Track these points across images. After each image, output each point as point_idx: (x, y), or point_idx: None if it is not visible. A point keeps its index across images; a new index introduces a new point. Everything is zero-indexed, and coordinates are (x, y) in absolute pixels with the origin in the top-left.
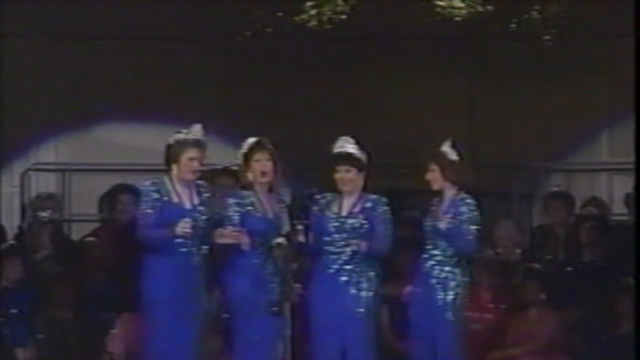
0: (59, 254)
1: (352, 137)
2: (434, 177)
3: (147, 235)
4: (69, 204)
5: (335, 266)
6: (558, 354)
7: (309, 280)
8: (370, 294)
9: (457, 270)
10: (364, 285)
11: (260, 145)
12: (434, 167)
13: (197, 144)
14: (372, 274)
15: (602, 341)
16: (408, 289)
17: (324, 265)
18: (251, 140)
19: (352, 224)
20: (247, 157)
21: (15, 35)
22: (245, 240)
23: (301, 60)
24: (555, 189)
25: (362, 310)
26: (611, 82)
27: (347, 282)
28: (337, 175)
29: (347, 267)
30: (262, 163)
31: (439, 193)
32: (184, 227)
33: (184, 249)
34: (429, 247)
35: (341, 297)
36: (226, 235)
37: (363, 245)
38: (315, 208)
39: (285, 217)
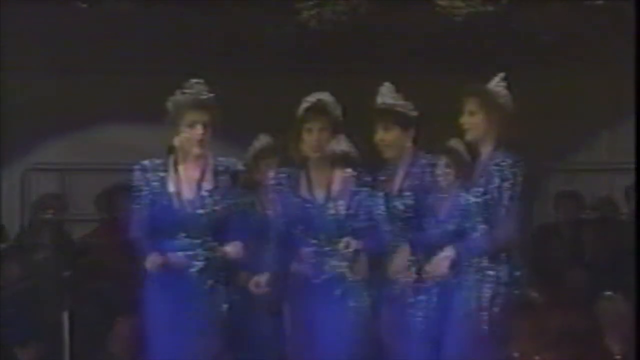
0: (59, 253)
1: (350, 136)
2: (447, 173)
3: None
4: (69, 204)
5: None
6: (558, 353)
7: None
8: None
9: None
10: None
11: (271, 150)
12: (450, 163)
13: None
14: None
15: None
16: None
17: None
18: (262, 141)
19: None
20: (257, 158)
21: (15, 34)
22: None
23: (301, 60)
24: (567, 188)
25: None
26: (611, 82)
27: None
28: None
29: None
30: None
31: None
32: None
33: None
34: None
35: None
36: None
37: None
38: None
39: None
